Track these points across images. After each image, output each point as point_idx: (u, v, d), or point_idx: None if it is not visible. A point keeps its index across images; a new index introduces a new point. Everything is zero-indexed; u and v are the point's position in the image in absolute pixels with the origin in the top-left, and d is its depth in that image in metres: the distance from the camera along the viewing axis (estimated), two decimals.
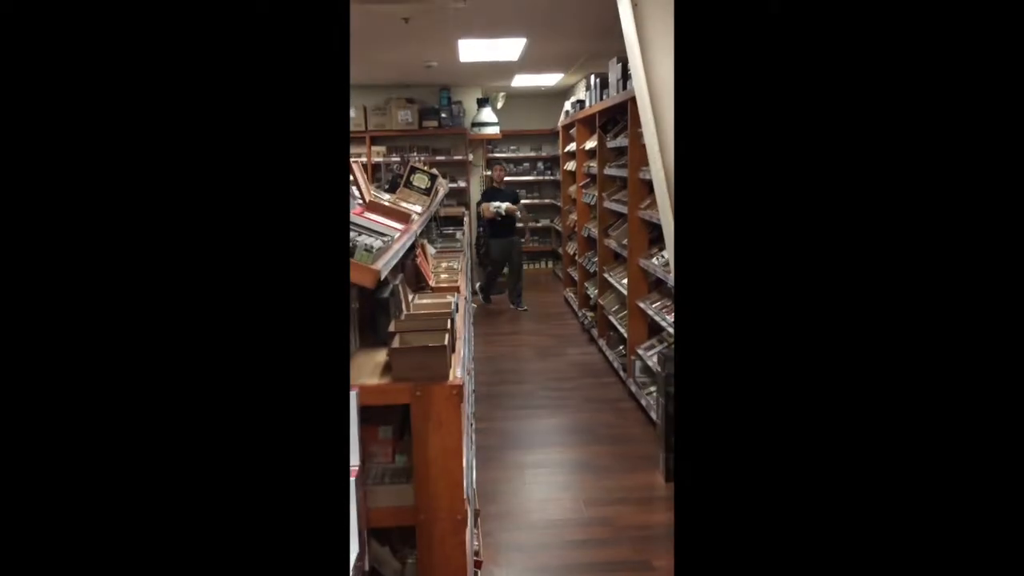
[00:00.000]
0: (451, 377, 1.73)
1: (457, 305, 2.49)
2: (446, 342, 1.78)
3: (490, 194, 7.37)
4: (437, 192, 4.14)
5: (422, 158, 7.80)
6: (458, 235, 4.46)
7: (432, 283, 2.93)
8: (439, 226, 4.82)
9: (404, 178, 3.70)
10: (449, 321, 2.04)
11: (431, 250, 3.78)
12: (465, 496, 1.71)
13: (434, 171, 4.32)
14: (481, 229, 7.67)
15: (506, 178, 7.61)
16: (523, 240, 7.72)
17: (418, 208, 3.20)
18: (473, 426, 3.87)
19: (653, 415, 3.96)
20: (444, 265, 3.37)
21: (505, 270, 7.52)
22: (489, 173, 8.32)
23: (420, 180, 3.70)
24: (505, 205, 7.07)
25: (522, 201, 7.69)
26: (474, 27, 4.97)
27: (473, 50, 5.72)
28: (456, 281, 2.96)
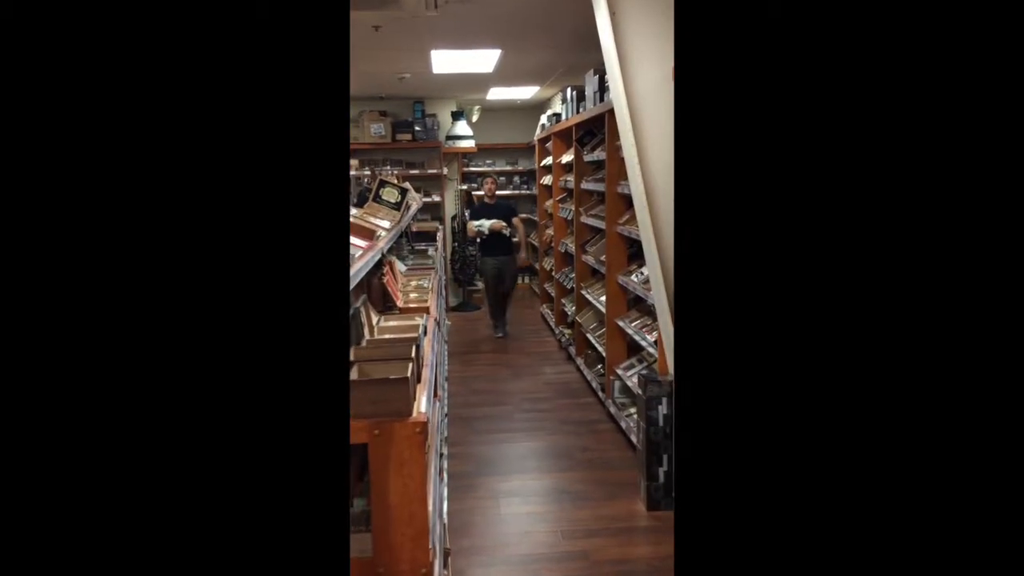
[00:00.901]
0: (414, 413, 1.56)
1: (426, 328, 2.32)
2: (409, 373, 1.61)
3: (480, 211, 6.78)
4: (408, 207, 3.98)
5: (395, 172, 7.62)
6: (430, 251, 4.29)
7: (400, 303, 2.76)
8: (411, 242, 4.65)
9: (373, 192, 3.53)
10: (415, 348, 1.87)
11: (401, 267, 3.60)
12: (431, 546, 1.54)
13: (405, 185, 4.15)
14: (472, 248, 7.44)
15: (498, 192, 7.13)
16: (520, 259, 6.92)
17: (386, 224, 3.03)
18: (445, 454, 3.69)
19: (633, 438, 3.81)
20: (414, 283, 3.20)
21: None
22: (464, 187, 8.16)
23: (390, 194, 3.53)
24: (489, 223, 6.54)
25: (522, 215, 7.09)
26: (447, 37, 4.83)
27: (447, 61, 5.58)
28: (426, 301, 2.79)
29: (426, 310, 2.63)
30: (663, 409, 3.23)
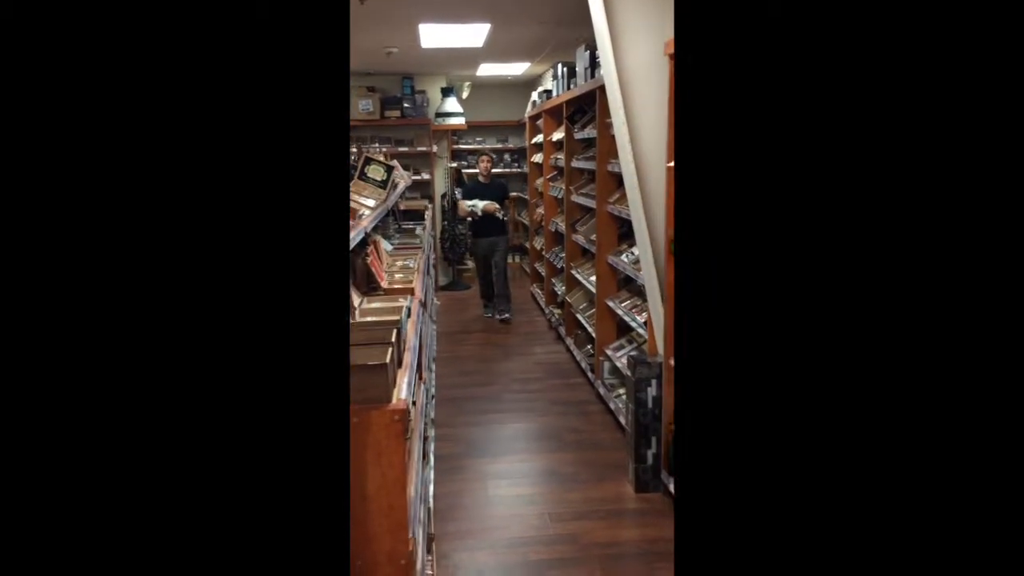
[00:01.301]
0: (394, 400, 1.51)
1: (409, 310, 2.26)
2: (388, 359, 1.55)
3: (473, 190, 6.51)
4: (396, 185, 3.90)
5: (384, 149, 7.51)
6: (418, 230, 4.22)
7: (384, 284, 2.70)
8: (398, 220, 4.58)
9: (358, 169, 3.45)
10: (395, 332, 1.81)
11: (387, 247, 3.54)
12: (410, 536, 1.50)
13: (392, 162, 4.08)
14: (462, 227, 7.32)
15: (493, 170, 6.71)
16: (508, 239, 6.74)
17: (371, 202, 2.97)
18: (432, 436, 3.65)
19: (621, 419, 3.78)
20: (399, 264, 3.14)
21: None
22: (454, 165, 8.06)
23: (375, 172, 3.45)
24: (483, 204, 6.24)
25: (512, 193, 6.90)
26: (435, 11, 4.72)
27: (435, 36, 5.47)
28: (411, 282, 2.74)
29: (411, 291, 2.58)
30: (652, 391, 3.20)
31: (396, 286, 2.71)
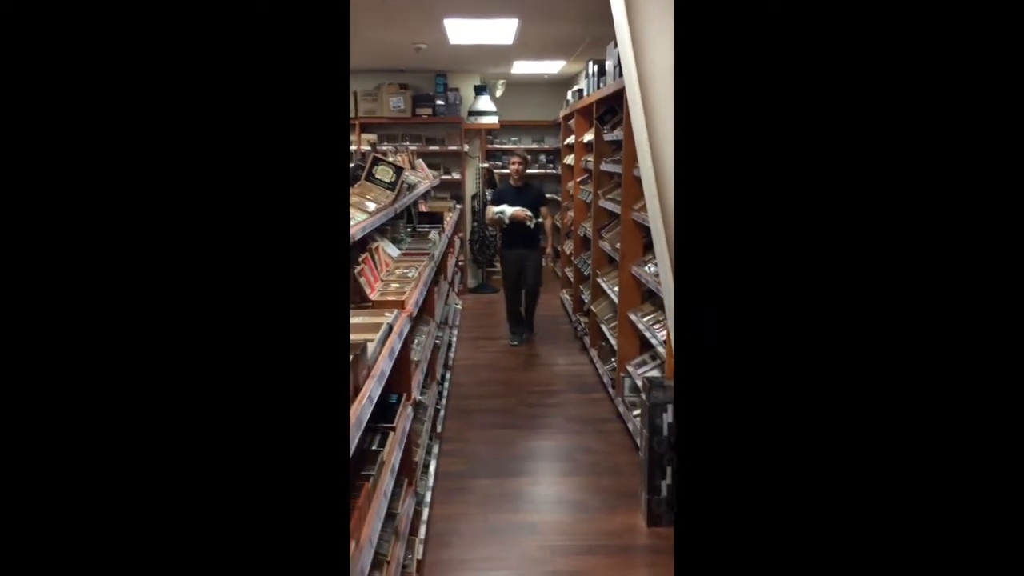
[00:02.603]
0: None
1: (391, 327, 2.07)
2: None
3: (504, 194, 5.66)
4: (411, 187, 3.72)
5: (415, 147, 7.37)
6: (432, 235, 4.02)
7: (374, 296, 2.51)
8: (414, 223, 4.40)
9: (366, 170, 3.28)
10: (362, 355, 1.62)
11: (392, 252, 3.36)
12: None
13: (399, 162, 3.90)
14: (492, 230, 6.78)
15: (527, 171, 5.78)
16: (544, 253, 5.81)
17: (372, 206, 2.79)
18: (435, 452, 3.46)
19: (639, 440, 3.53)
20: (398, 272, 2.95)
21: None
22: (485, 165, 7.87)
23: (384, 173, 3.28)
24: (512, 210, 5.43)
25: (549, 196, 6.02)
26: (459, 5, 4.53)
27: (462, 31, 5.28)
28: (404, 293, 2.54)
29: (401, 304, 2.38)
30: (668, 417, 2.95)
31: (389, 298, 2.51)
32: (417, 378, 2.67)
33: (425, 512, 2.86)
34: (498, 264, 7.64)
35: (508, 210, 5.51)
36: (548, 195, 6.40)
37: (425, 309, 3.49)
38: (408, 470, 2.39)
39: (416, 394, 2.54)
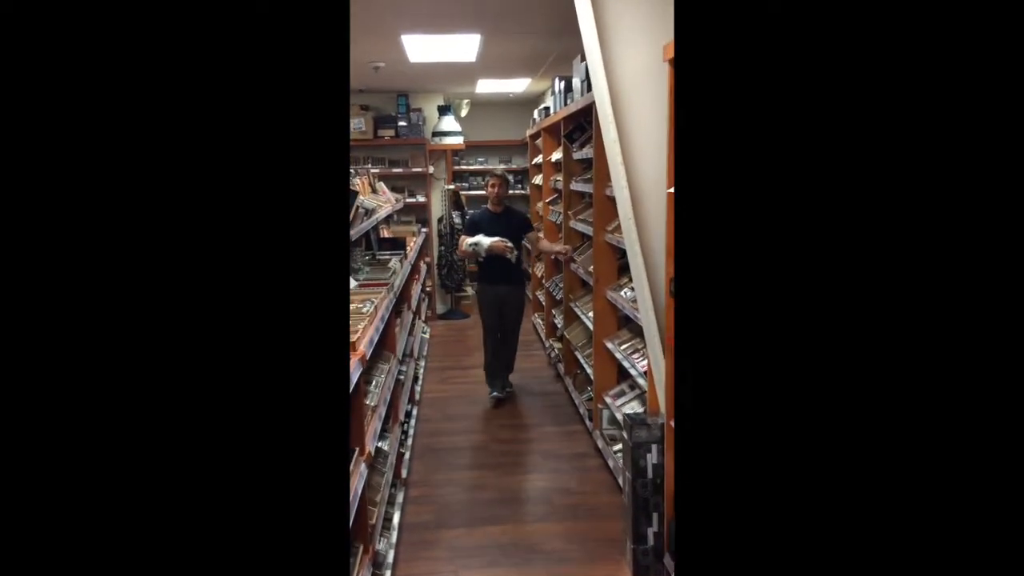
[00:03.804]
0: None
1: None
2: None
3: (479, 222, 4.71)
4: (367, 213, 3.45)
5: (377, 171, 7.10)
6: (393, 263, 3.74)
7: None
8: (373, 250, 4.12)
9: None
10: None
11: (351, 284, 3.08)
12: None
13: (356, 185, 3.64)
14: (461, 261, 6.10)
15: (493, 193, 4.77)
16: (525, 291, 5.04)
17: None
18: (399, 501, 3.16)
19: (620, 480, 3.27)
20: (353, 307, 2.67)
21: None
22: (451, 187, 7.62)
23: None
24: (489, 241, 4.52)
25: (538, 233, 5.20)
26: (416, 20, 4.30)
27: (422, 48, 5.05)
28: (357, 332, 2.26)
29: (352, 347, 2.10)
30: (652, 458, 2.70)
31: None
32: (374, 426, 2.38)
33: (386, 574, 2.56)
34: (468, 290, 7.35)
35: (485, 241, 4.53)
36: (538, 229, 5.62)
37: (385, 345, 3.21)
38: (363, 536, 2.10)
39: (372, 446, 2.26)
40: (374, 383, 2.74)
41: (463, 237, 4.75)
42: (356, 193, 3.17)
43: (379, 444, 2.81)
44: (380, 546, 2.67)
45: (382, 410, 2.58)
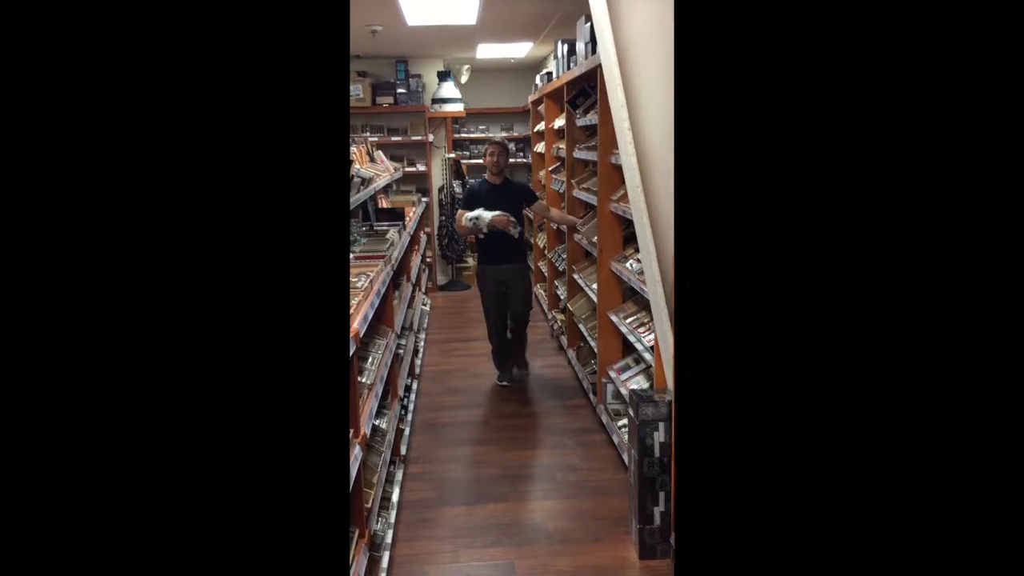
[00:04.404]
0: None
1: None
2: None
3: (478, 195, 4.32)
4: (364, 182, 3.32)
5: (375, 139, 6.94)
6: (391, 234, 3.62)
7: None
8: (371, 221, 4.00)
9: None
10: None
11: None
12: None
13: (354, 153, 3.50)
14: (472, 240, 5.39)
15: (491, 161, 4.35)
16: (529, 268, 4.62)
17: None
18: (398, 479, 3.09)
19: (626, 457, 3.20)
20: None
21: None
22: (452, 155, 7.46)
23: None
24: (491, 215, 4.13)
25: (541, 202, 4.71)
26: None
27: (420, 10, 4.87)
28: (351, 309, 2.16)
29: None
30: (659, 436, 2.61)
31: None
32: (370, 404, 2.29)
33: (385, 558, 2.48)
34: (469, 260, 7.22)
35: (486, 215, 4.14)
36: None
37: (382, 320, 3.11)
38: (359, 520, 2.02)
39: (367, 426, 2.17)
40: (370, 360, 2.64)
41: (461, 212, 4.34)
42: (352, 162, 3.05)
43: (376, 422, 2.72)
44: (378, 526, 2.60)
45: (379, 388, 2.48)
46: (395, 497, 2.96)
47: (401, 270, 4.06)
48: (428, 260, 7.13)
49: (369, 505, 2.20)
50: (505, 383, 4.54)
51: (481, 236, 4.29)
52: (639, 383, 3.40)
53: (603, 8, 2.53)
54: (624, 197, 3.55)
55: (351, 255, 3.09)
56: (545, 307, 6.09)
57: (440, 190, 7.52)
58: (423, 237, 6.35)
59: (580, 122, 4.47)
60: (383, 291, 2.72)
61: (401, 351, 3.81)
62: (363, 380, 2.36)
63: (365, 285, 2.48)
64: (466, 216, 4.23)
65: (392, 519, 2.79)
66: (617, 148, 3.32)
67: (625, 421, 3.47)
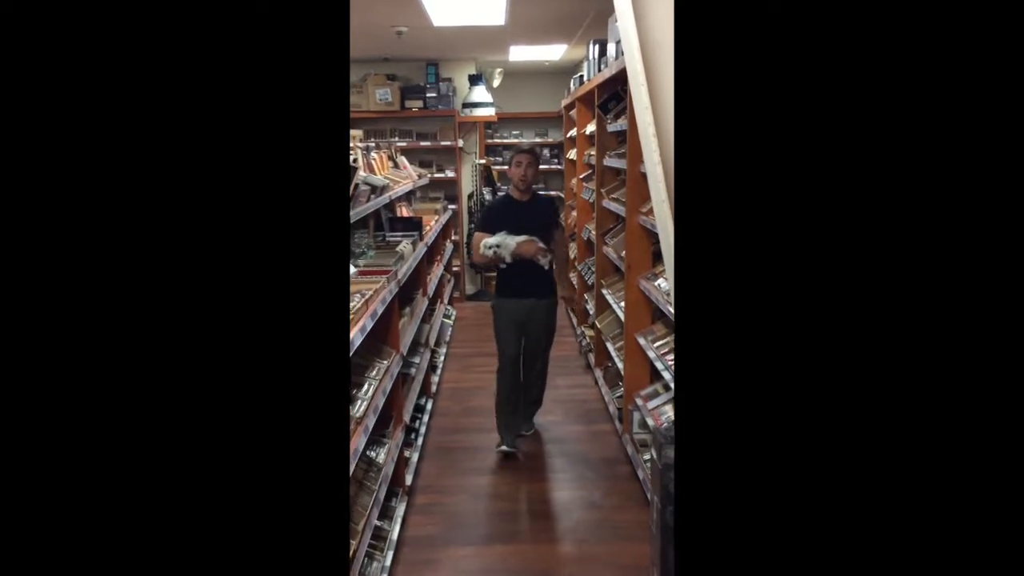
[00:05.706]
0: None
1: None
2: None
3: (498, 213, 3.53)
4: (375, 190, 3.10)
5: (404, 144, 6.76)
6: (403, 246, 3.39)
7: None
8: (384, 231, 3.77)
9: None
10: None
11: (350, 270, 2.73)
12: None
13: (374, 160, 3.30)
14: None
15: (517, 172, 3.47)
16: (556, 303, 3.69)
17: None
18: (398, 514, 2.84)
19: (650, 496, 2.90)
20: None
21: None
22: (482, 162, 7.22)
23: None
24: (516, 241, 3.32)
25: (563, 232, 3.99)
26: None
27: (445, 10, 4.65)
28: None
29: None
30: None
31: None
32: (358, 440, 2.05)
33: None
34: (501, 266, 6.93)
35: (510, 241, 3.31)
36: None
37: (386, 340, 2.87)
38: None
39: (352, 464, 1.93)
40: (365, 388, 2.40)
41: (479, 236, 3.44)
42: (355, 169, 2.82)
43: (371, 454, 2.48)
44: (372, 569, 2.36)
45: (370, 421, 2.24)
46: (395, 534, 2.71)
47: (415, 284, 3.83)
48: (455, 269, 6.91)
49: (353, 553, 1.96)
50: (504, 447, 3.53)
51: (502, 264, 3.45)
52: (667, 414, 3.11)
53: (627, 5, 2.26)
54: (652, 210, 3.26)
55: (354, 269, 2.87)
56: (574, 322, 5.80)
57: (469, 197, 7.30)
58: (448, 246, 6.12)
59: (611, 127, 4.18)
60: (381, 311, 2.48)
61: (412, 370, 3.58)
62: (354, 414, 2.12)
63: (358, 306, 2.24)
64: (485, 243, 3.34)
65: (388, 561, 2.54)
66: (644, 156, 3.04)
67: (651, 455, 3.17)
